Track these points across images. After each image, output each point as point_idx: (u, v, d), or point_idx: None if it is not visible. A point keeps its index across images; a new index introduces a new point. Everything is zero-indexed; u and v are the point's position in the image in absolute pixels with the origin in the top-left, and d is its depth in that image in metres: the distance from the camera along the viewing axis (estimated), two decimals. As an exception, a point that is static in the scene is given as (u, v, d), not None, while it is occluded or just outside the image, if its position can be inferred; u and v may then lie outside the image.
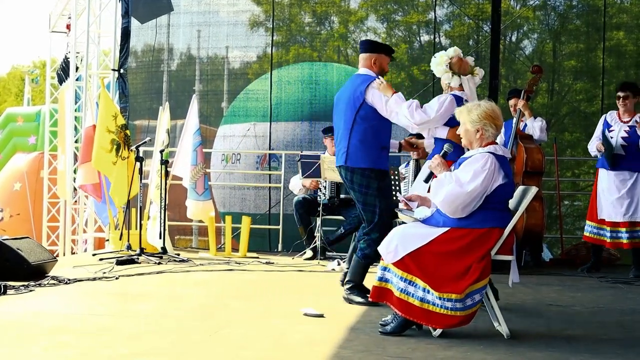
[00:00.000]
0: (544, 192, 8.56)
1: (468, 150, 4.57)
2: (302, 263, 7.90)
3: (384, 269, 4.43)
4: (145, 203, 8.39)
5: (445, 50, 5.56)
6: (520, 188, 4.73)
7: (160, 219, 7.91)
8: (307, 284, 6.63)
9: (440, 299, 4.25)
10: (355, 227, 8.15)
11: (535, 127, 7.71)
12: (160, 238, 7.91)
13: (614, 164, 7.34)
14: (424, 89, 9.92)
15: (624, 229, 7.35)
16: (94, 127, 9.08)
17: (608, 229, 7.44)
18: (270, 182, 10.11)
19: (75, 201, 12.06)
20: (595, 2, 10.13)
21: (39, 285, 5.84)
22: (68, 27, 13.49)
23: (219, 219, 9.45)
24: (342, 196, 8.28)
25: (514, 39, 10.77)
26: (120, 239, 8.22)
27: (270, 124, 10.12)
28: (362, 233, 5.49)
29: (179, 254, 8.02)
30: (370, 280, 4.78)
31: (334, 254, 8.19)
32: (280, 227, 9.33)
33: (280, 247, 9.25)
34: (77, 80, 12.22)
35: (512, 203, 4.59)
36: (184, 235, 10.48)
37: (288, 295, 5.93)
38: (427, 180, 4.84)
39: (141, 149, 8.57)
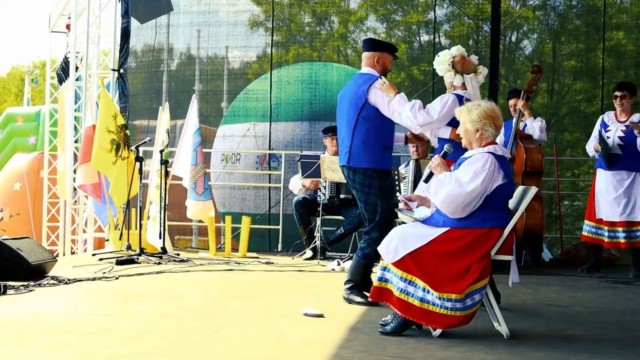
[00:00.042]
0: (543, 192, 8.57)
1: (468, 150, 4.57)
2: (302, 263, 7.90)
3: (384, 269, 4.43)
4: (145, 203, 8.39)
5: (449, 49, 5.53)
6: (520, 188, 4.73)
7: (160, 219, 7.91)
8: (307, 284, 6.63)
9: (440, 299, 4.25)
10: (355, 227, 8.16)
11: (535, 127, 7.71)
12: (160, 238, 7.91)
13: (611, 164, 7.36)
14: (423, 89, 9.92)
15: (620, 229, 7.37)
16: (94, 127, 9.09)
17: (606, 228, 7.46)
18: (270, 182, 10.11)
19: (75, 201, 12.06)
20: (595, 2, 10.13)
21: (39, 285, 5.84)
22: (68, 27, 13.49)
23: (219, 219, 9.45)
24: (342, 196, 8.29)
25: (513, 39, 10.77)
26: (120, 239, 8.22)
27: (270, 124, 10.12)
28: (363, 232, 5.50)
29: (178, 254, 8.02)
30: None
31: (334, 254, 8.20)
32: (280, 227, 9.33)
33: (280, 247, 9.25)
34: (77, 80, 12.21)
35: (512, 203, 4.59)
36: (184, 235, 10.49)
37: (288, 295, 5.93)
38: (427, 181, 4.84)
39: (141, 149, 8.57)
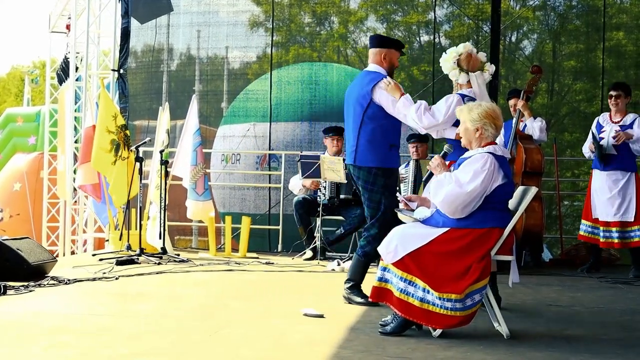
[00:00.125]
0: (543, 192, 8.57)
1: (467, 150, 4.57)
2: (302, 263, 7.90)
3: (384, 269, 4.43)
4: (145, 203, 8.39)
5: (456, 47, 5.44)
6: (520, 188, 4.73)
7: (160, 219, 7.91)
8: (307, 284, 6.64)
9: (440, 299, 4.25)
10: (355, 227, 8.17)
11: (534, 127, 7.72)
12: (160, 238, 7.91)
13: (606, 164, 7.40)
14: (423, 89, 9.92)
15: (614, 229, 7.41)
16: (94, 128, 9.09)
17: (601, 228, 7.49)
18: (270, 183, 10.11)
19: (75, 201, 12.06)
20: (595, 2, 10.13)
21: (39, 285, 5.84)
22: (68, 27, 13.49)
23: (219, 219, 9.45)
24: (342, 196, 8.29)
25: (513, 39, 10.77)
26: (120, 239, 8.22)
27: (270, 124, 10.12)
28: (363, 230, 5.51)
29: (178, 254, 8.02)
30: (369, 281, 4.78)
31: (334, 254, 8.20)
32: (280, 227, 9.33)
33: (280, 248, 9.25)
34: (76, 80, 12.21)
35: (511, 203, 4.59)
36: (184, 235, 10.49)
37: (288, 295, 5.93)
38: (427, 181, 4.84)
39: (141, 149, 8.57)
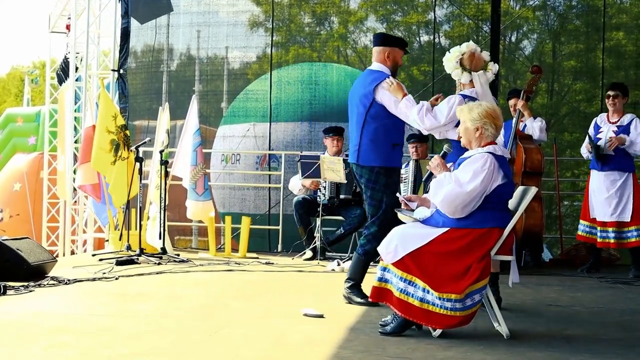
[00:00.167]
0: (543, 192, 8.57)
1: (467, 150, 4.57)
2: (301, 263, 7.90)
3: (384, 269, 4.43)
4: (145, 203, 8.39)
5: (459, 46, 5.38)
6: (520, 188, 4.73)
7: (160, 219, 7.91)
8: (307, 284, 6.64)
9: (440, 299, 4.25)
10: (355, 227, 8.17)
11: (534, 127, 7.72)
12: (160, 238, 7.91)
13: (603, 164, 7.42)
14: (423, 89, 9.92)
15: (611, 229, 7.43)
16: (94, 128, 9.09)
17: (599, 228, 7.52)
18: (270, 183, 10.11)
19: (75, 201, 12.06)
20: (595, 2, 10.13)
21: (39, 285, 5.84)
22: (68, 27, 13.48)
23: (219, 220, 9.44)
24: (341, 196, 8.29)
25: (513, 39, 10.77)
26: (120, 240, 8.22)
27: (270, 124, 10.12)
28: (364, 228, 5.52)
29: (178, 255, 8.02)
30: (369, 281, 4.78)
31: (334, 254, 8.20)
32: (280, 227, 9.33)
33: (280, 248, 9.25)
34: (76, 80, 12.21)
35: (511, 203, 4.59)
36: (184, 235, 10.49)
37: (288, 295, 5.93)
38: (427, 181, 4.84)
39: (141, 149, 8.57)
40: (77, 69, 12.29)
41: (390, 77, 5.36)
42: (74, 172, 10.75)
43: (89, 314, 4.98)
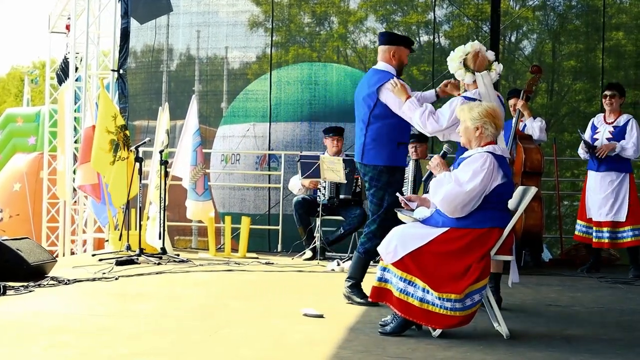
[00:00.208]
0: (543, 192, 8.58)
1: (467, 149, 4.57)
2: (301, 263, 7.90)
3: (384, 269, 4.43)
4: (144, 203, 8.39)
5: (464, 45, 5.32)
6: (520, 188, 4.73)
7: (160, 219, 7.91)
8: (307, 284, 6.63)
9: (439, 299, 4.25)
10: (354, 227, 8.17)
11: (534, 127, 7.72)
12: (159, 238, 7.90)
13: (600, 164, 7.43)
14: (423, 89, 9.91)
15: (606, 229, 7.45)
16: (94, 128, 9.08)
17: (594, 228, 7.53)
18: (269, 183, 10.11)
19: (75, 202, 12.05)
20: (595, 2, 10.13)
21: (39, 285, 5.84)
22: (67, 27, 13.48)
23: (219, 220, 9.44)
24: (341, 196, 8.29)
25: (513, 39, 10.77)
26: (119, 240, 8.21)
27: (270, 124, 10.12)
28: (365, 226, 5.53)
29: (178, 255, 8.02)
30: (369, 280, 4.78)
31: (334, 254, 8.20)
32: (279, 227, 9.33)
33: (279, 248, 9.24)
34: (76, 80, 12.20)
35: (511, 203, 4.59)
36: (184, 235, 10.49)
37: (288, 295, 5.93)
38: (426, 181, 4.84)
39: (141, 149, 8.56)
40: (76, 69, 12.29)
41: (394, 78, 5.34)
42: (74, 172, 10.75)
43: (89, 314, 4.98)
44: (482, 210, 4.36)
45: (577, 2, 10.35)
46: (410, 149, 8.36)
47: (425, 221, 4.51)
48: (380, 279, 4.44)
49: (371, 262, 5.57)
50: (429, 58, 10.18)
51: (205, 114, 10.44)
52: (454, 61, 5.29)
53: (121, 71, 10.05)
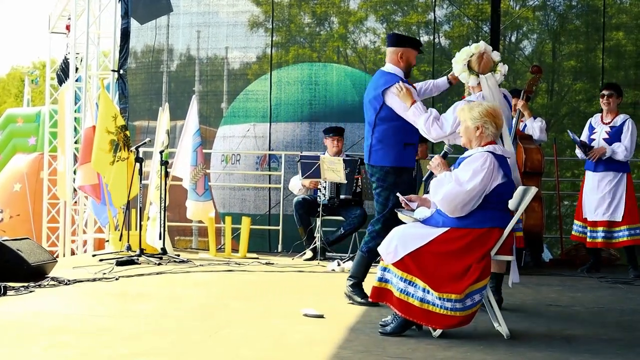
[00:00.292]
0: (543, 192, 8.58)
1: (467, 149, 4.57)
2: (302, 264, 7.90)
3: (384, 269, 4.43)
4: (145, 204, 8.39)
5: (469, 46, 5.26)
6: (520, 188, 4.72)
7: (160, 219, 7.91)
8: (307, 284, 6.64)
9: (440, 299, 4.25)
10: (355, 227, 8.17)
11: (534, 127, 7.73)
12: (160, 239, 7.90)
13: (598, 165, 7.44)
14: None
15: (601, 228, 7.45)
16: (94, 128, 9.09)
17: (589, 228, 7.54)
18: (270, 183, 10.11)
19: (75, 202, 12.06)
20: (595, 2, 10.13)
21: (39, 286, 5.84)
22: (68, 27, 13.49)
23: (219, 220, 9.44)
24: (341, 197, 8.29)
25: (513, 39, 10.78)
26: (120, 240, 8.22)
27: (270, 124, 10.12)
28: (369, 224, 5.53)
29: (178, 255, 8.02)
30: (370, 281, 4.78)
31: (334, 254, 8.20)
32: (280, 227, 9.33)
33: (280, 248, 9.24)
34: (76, 81, 12.21)
35: (511, 203, 4.59)
36: (184, 235, 10.48)
37: (288, 295, 5.93)
38: (427, 181, 4.84)
39: (141, 149, 8.57)
40: (77, 69, 12.30)
41: (400, 81, 5.32)
42: (74, 172, 10.75)
43: (89, 314, 4.98)
44: (482, 210, 4.36)
45: (577, 2, 10.35)
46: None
47: (425, 221, 4.51)
48: (380, 279, 4.44)
49: (372, 263, 5.57)
50: (429, 58, 10.17)
51: (205, 114, 10.44)
52: (458, 63, 5.24)
53: (121, 71, 10.05)
